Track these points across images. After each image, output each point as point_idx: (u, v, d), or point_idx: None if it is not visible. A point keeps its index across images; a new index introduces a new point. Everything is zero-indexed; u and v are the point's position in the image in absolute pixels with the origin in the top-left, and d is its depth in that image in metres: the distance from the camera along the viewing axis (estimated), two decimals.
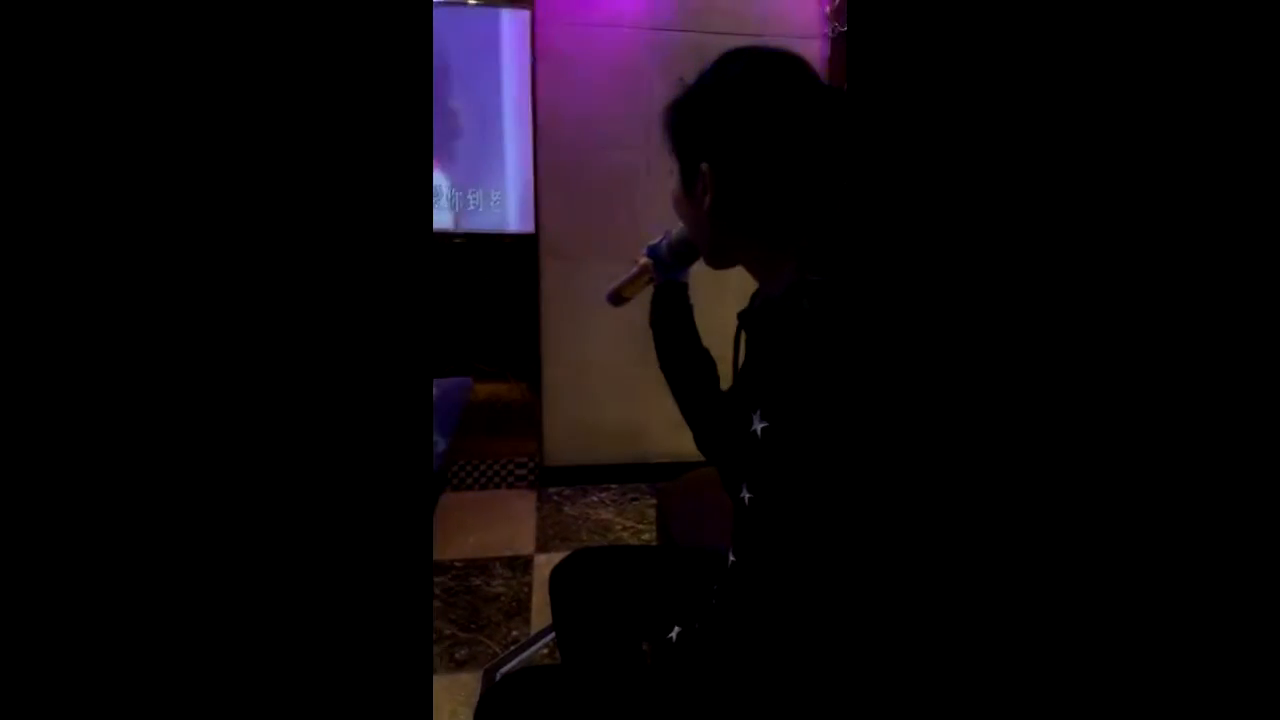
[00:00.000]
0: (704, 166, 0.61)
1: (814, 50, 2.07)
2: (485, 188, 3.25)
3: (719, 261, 0.69)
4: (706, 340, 0.87)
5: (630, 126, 2.07)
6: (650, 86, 2.05)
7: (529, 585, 1.73)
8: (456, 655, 1.46)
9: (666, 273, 0.85)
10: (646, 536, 1.97)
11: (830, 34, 2.04)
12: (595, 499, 2.24)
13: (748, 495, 0.53)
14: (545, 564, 1.83)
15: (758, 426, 0.52)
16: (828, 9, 2.03)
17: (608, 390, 2.22)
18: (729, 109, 0.60)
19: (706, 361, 0.86)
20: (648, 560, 0.88)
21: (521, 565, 1.83)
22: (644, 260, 0.85)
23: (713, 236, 0.65)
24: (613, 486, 2.29)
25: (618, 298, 0.88)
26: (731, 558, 0.54)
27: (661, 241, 0.84)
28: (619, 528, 2.04)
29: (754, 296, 0.69)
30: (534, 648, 1.51)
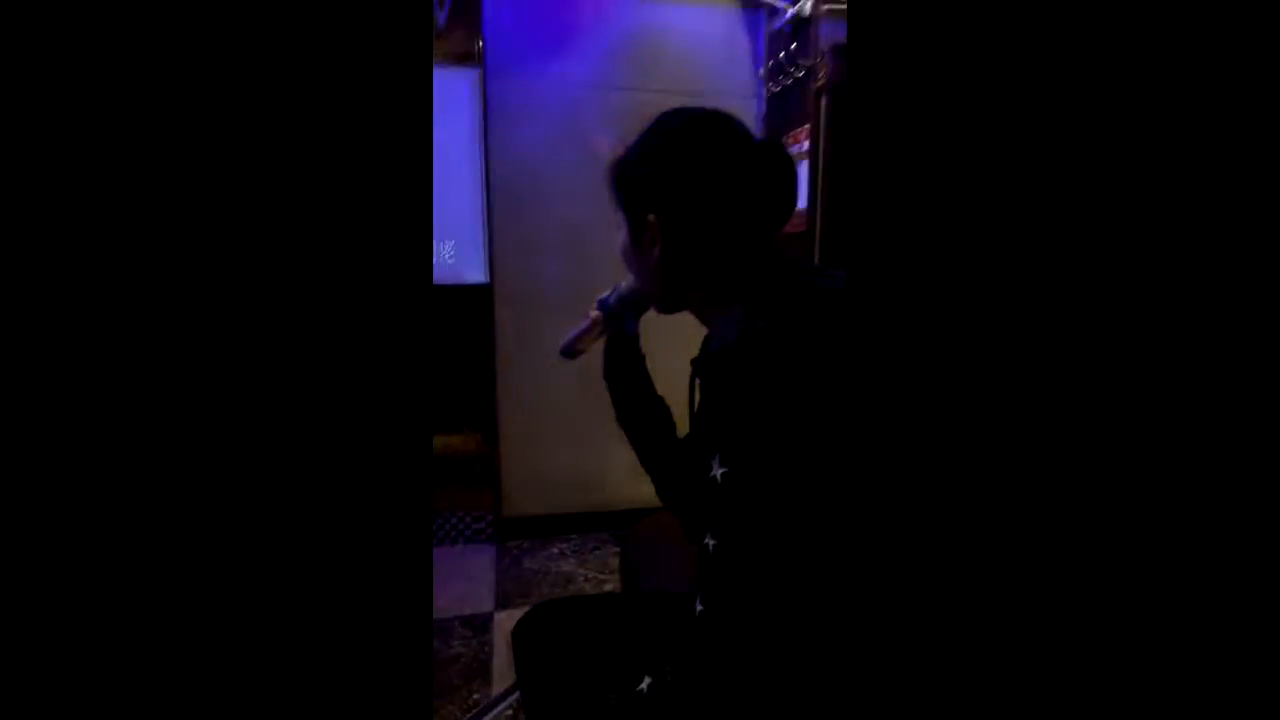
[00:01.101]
0: (650, 218, 0.64)
1: (750, 108, 2.19)
2: (439, 239, 3.26)
3: (668, 308, 0.71)
4: (663, 387, 0.88)
5: (581, 179, 2.14)
6: (599, 142, 2.13)
7: (489, 644, 1.67)
8: None
9: (617, 324, 0.87)
10: (609, 587, 1.94)
11: (765, 94, 2.17)
12: (556, 550, 2.19)
13: (711, 542, 0.53)
14: (506, 620, 1.78)
15: (717, 472, 0.53)
16: (761, 70, 2.17)
17: (566, 439, 2.20)
18: (671, 161, 0.63)
19: (662, 410, 0.87)
20: (612, 609, 0.87)
21: (481, 624, 1.76)
22: (595, 314, 0.87)
23: (661, 285, 0.68)
24: (574, 536, 2.25)
25: (572, 351, 0.89)
26: (699, 606, 0.54)
27: (611, 295, 0.86)
28: (581, 579, 2.00)
29: (705, 342, 0.72)
30: (496, 709, 1.45)
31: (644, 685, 0.59)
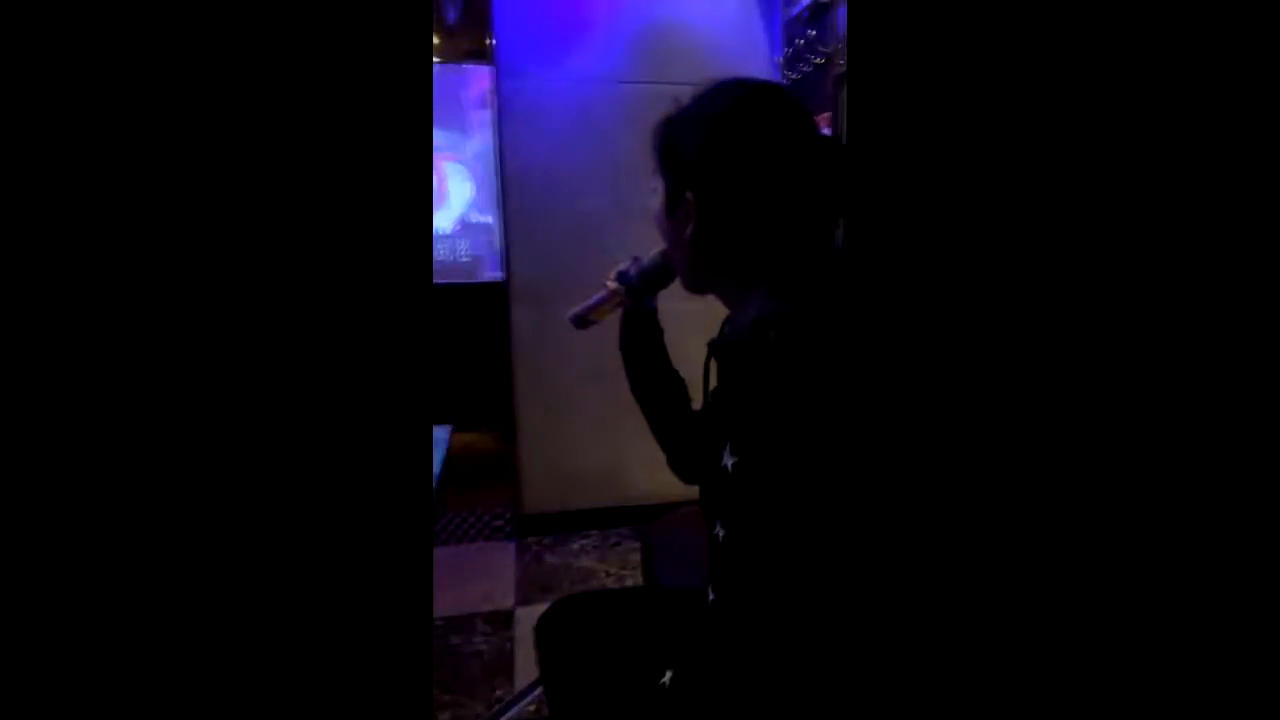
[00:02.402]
0: (689, 195, 0.60)
1: None
2: (454, 238, 3.28)
3: (695, 287, 0.68)
4: (679, 365, 0.88)
5: (596, 174, 2.12)
6: (614, 136, 2.12)
7: (511, 640, 1.68)
8: None
9: (636, 298, 0.85)
10: (630, 582, 1.94)
11: (783, 83, 2.14)
12: (576, 546, 2.19)
13: (721, 531, 0.52)
14: (527, 617, 1.78)
15: (728, 461, 0.52)
16: (778, 59, 2.14)
17: (584, 434, 2.20)
18: (722, 143, 0.58)
19: (678, 384, 0.87)
20: (633, 603, 0.87)
21: (503, 620, 1.77)
22: (614, 285, 0.85)
23: (690, 262, 0.66)
24: (594, 532, 2.25)
25: (582, 321, 0.87)
26: (711, 595, 0.53)
27: (631, 267, 0.84)
28: (603, 574, 2.00)
29: (724, 324, 0.70)
30: (519, 705, 1.45)
31: (666, 679, 0.58)
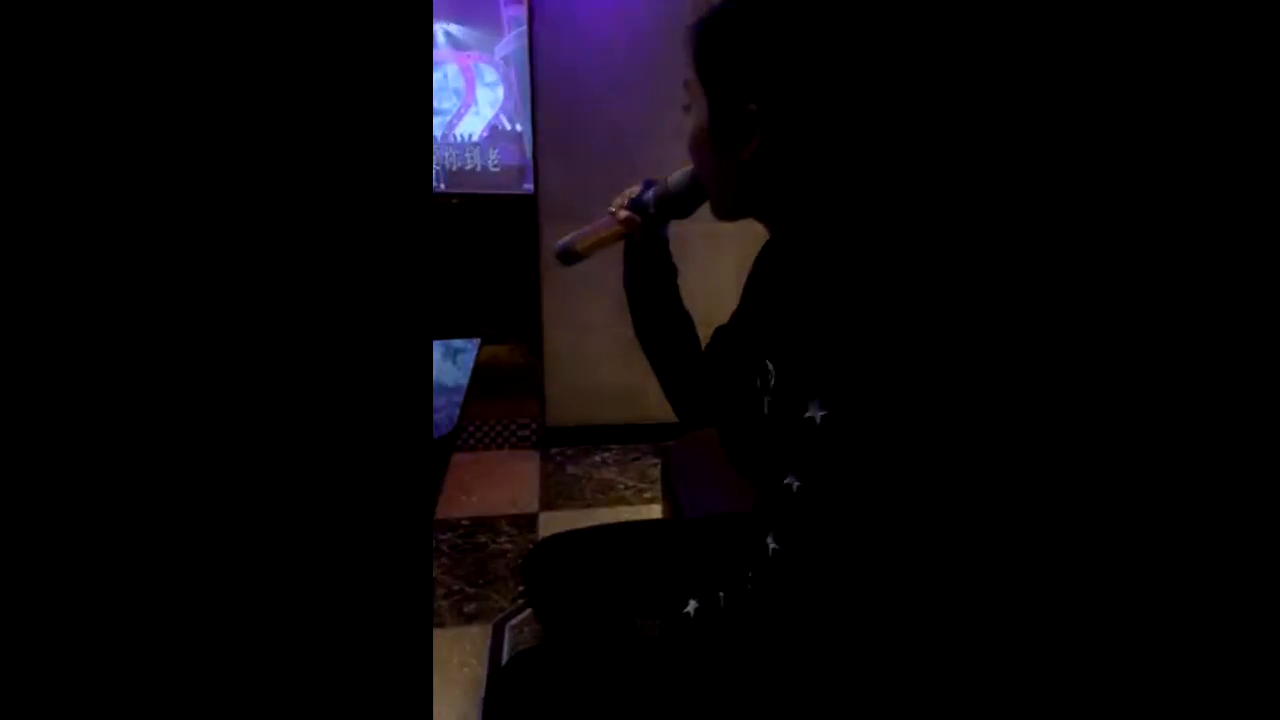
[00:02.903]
0: (751, 107, 0.50)
1: None
2: (484, 146, 3.20)
3: (736, 213, 0.59)
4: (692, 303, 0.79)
5: (630, 80, 2.03)
6: (653, 38, 2.00)
7: (534, 541, 1.78)
8: (465, 610, 1.51)
9: (650, 228, 0.73)
10: (649, 495, 2.01)
11: None
12: (598, 458, 2.27)
13: (795, 483, 0.47)
14: (549, 521, 1.88)
15: (815, 414, 0.46)
16: None
17: (608, 353, 2.23)
18: (796, 38, 0.47)
19: (688, 326, 0.78)
20: (621, 539, 0.84)
21: (527, 524, 1.87)
22: (623, 214, 0.72)
23: (742, 186, 0.55)
24: (614, 447, 2.32)
25: (571, 254, 0.74)
26: (772, 544, 0.49)
27: (646, 193, 0.72)
28: (621, 487, 2.08)
29: (768, 251, 0.65)
30: None
31: (690, 609, 0.56)
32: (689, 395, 0.78)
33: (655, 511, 1.84)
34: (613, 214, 0.72)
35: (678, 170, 0.69)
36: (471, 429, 2.33)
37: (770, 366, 0.54)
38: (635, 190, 0.73)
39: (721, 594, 0.54)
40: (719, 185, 0.59)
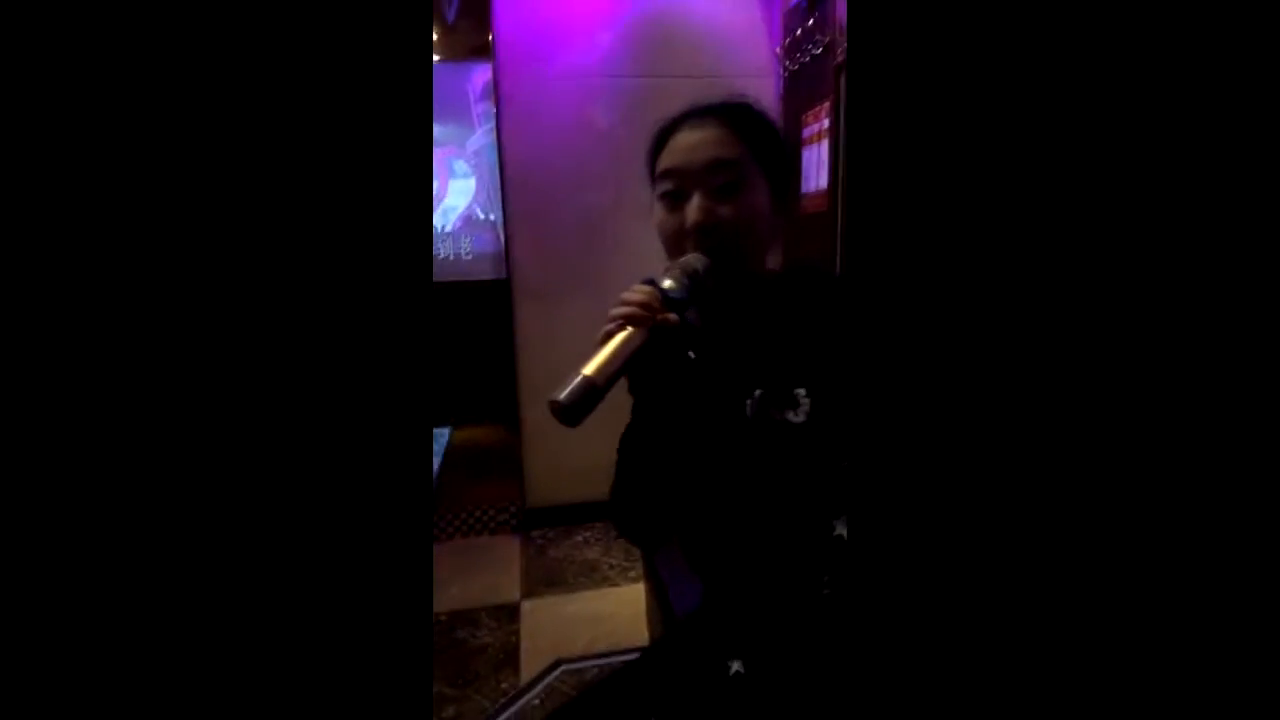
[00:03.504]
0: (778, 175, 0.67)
1: (767, 87, 2.15)
2: (457, 235, 3.29)
3: (758, 264, 0.68)
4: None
5: (598, 169, 2.12)
6: (615, 131, 2.11)
7: (516, 633, 1.69)
8: (444, 715, 1.41)
9: (677, 313, 0.59)
10: (633, 574, 1.95)
11: (782, 73, 2.13)
12: (580, 538, 2.20)
13: (844, 530, 0.56)
14: (532, 610, 1.79)
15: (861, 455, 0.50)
16: (778, 49, 2.13)
17: (588, 426, 2.20)
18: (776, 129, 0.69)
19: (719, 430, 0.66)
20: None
21: (508, 613, 1.78)
22: (634, 311, 0.57)
23: (770, 235, 0.67)
24: (597, 525, 2.26)
25: (588, 394, 0.54)
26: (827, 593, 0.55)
27: (677, 283, 0.59)
28: (606, 567, 2.01)
29: (757, 280, 0.67)
30: (526, 698, 1.47)
31: (735, 669, 0.60)
32: (665, 501, 0.67)
33: (640, 591, 1.78)
34: (619, 326, 0.57)
35: (675, 261, 0.62)
36: (449, 516, 2.26)
37: (802, 395, 0.60)
38: (639, 295, 0.58)
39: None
40: (771, 242, 0.67)
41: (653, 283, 0.60)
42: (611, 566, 2.01)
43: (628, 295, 0.58)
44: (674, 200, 0.65)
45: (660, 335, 0.57)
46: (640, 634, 1.40)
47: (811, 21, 1.86)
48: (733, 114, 0.65)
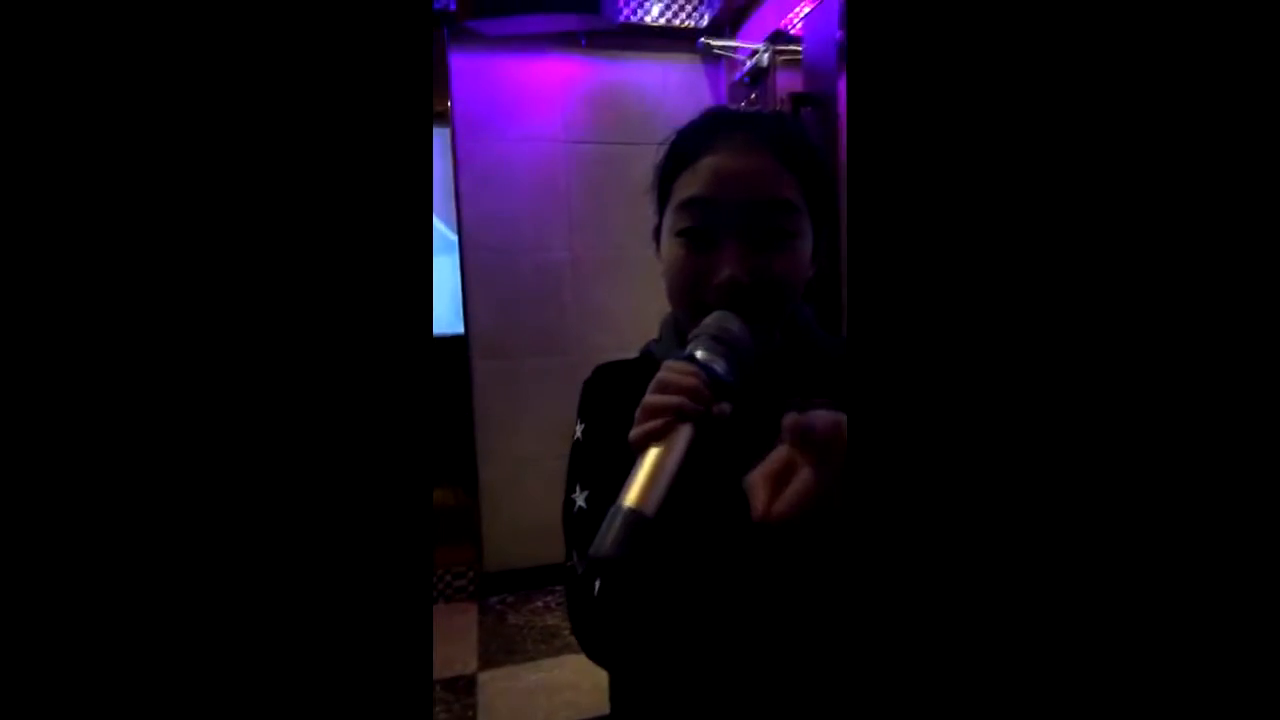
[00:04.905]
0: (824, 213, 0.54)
1: None
2: None
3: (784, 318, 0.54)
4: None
5: (553, 230, 2.17)
6: (569, 193, 2.18)
7: (474, 708, 1.60)
8: None
9: (727, 401, 0.44)
10: None
11: None
12: (540, 604, 2.13)
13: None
14: (490, 682, 1.71)
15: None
16: None
17: (547, 487, 2.17)
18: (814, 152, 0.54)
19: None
20: None
21: (465, 686, 1.69)
22: (674, 399, 0.42)
23: (802, 284, 0.53)
24: (557, 588, 2.19)
25: (636, 530, 0.38)
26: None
27: (710, 351, 0.45)
28: (566, 633, 1.94)
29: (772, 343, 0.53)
30: None
31: None
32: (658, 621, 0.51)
33: None
34: (664, 422, 0.41)
35: (704, 325, 0.46)
36: None
37: None
38: (684, 377, 0.43)
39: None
40: (802, 289, 0.53)
41: (692, 359, 0.44)
42: (571, 632, 1.95)
43: (670, 377, 0.43)
44: (698, 241, 0.49)
45: (710, 432, 0.42)
46: (601, 703, 1.35)
47: (754, 95, 1.99)
48: (782, 138, 0.50)
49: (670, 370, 0.43)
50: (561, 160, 2.18)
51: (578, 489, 0.58)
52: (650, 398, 0.42)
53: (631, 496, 0.39)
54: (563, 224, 2.17)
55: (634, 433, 0.41)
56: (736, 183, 0.49)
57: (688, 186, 0.51)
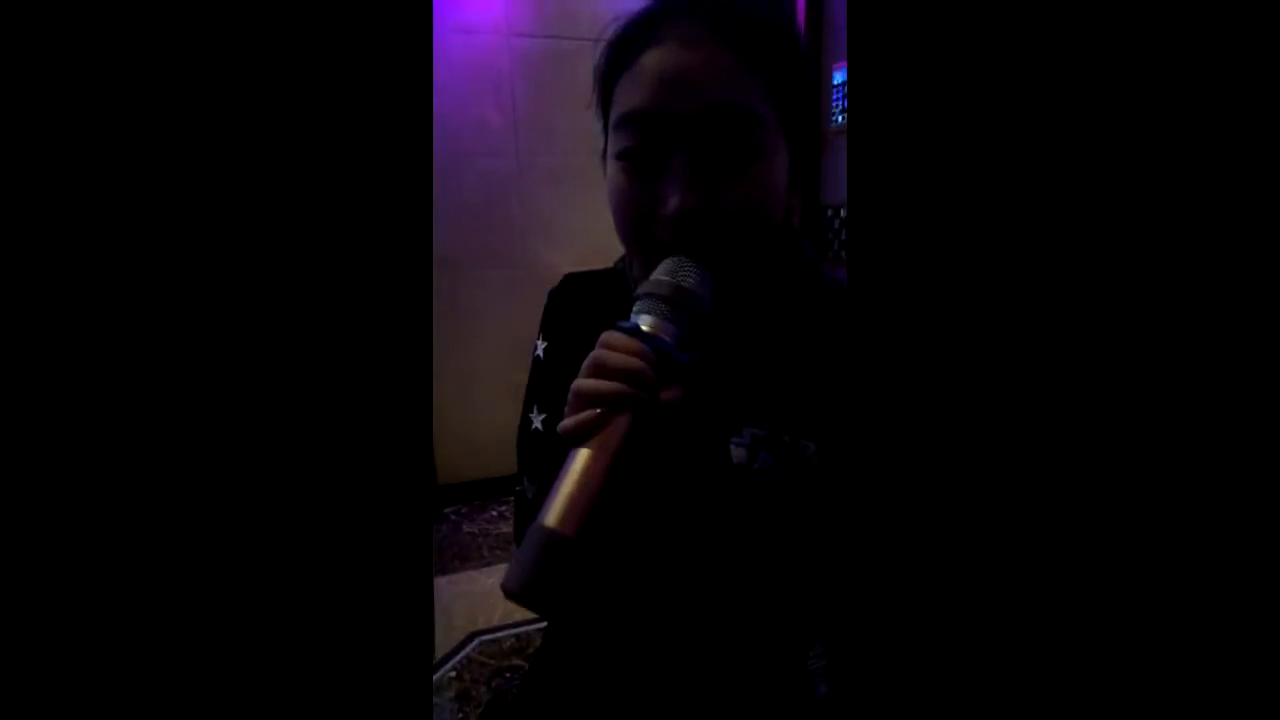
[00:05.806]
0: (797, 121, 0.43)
1: None
2: None
3: (761, 252, 0.45)
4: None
5: (500, 132, 2.05)
6: (514, 95, 2.04)
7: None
8: None
9: (675, 376, 0.37)
10: None
11: None
12: (494, 513, 2.19)
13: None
14: (447, 586, 1.77)
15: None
16: None
17: (498, 399, 2.18)
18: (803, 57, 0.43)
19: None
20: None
21: None
22: (610, 388, 0.35)
23: (781, 212, 0.43)
24: (511, 498, 2.25)
25: (557, 547, 0.33)
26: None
27: (672, 313, 0.38)
28: None
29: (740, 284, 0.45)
30: (442, 670, 1.46)
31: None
32: (602, 569, 0.46)
33: None
34: (596, 415, 0.35)
35: (653, 278, 0.39)
36: None
37: (811, 449, 0.42)
38: (624, 359, 0.36)
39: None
40: (780, 221, 0.43)
41: (637, 331, 0.36)
42: None
43: (607, 357, 0.35)
44: (641, 164, 0.40)
45: (654, 421, 0.35)
46: None
47: None
48: (744, 27, 0.39)
49: (608, 346, 0.36)
50: (504, 56, 2.03)
51: (535, 409, 0.56)
52: (582, 381, 0.35)
53: (552, 515, 0.33)
54: (509, 129, 2.05)
55: (563, 424, 0.35)
56: (684, 87, 0.38)
57: (626, 96, 0.40)
